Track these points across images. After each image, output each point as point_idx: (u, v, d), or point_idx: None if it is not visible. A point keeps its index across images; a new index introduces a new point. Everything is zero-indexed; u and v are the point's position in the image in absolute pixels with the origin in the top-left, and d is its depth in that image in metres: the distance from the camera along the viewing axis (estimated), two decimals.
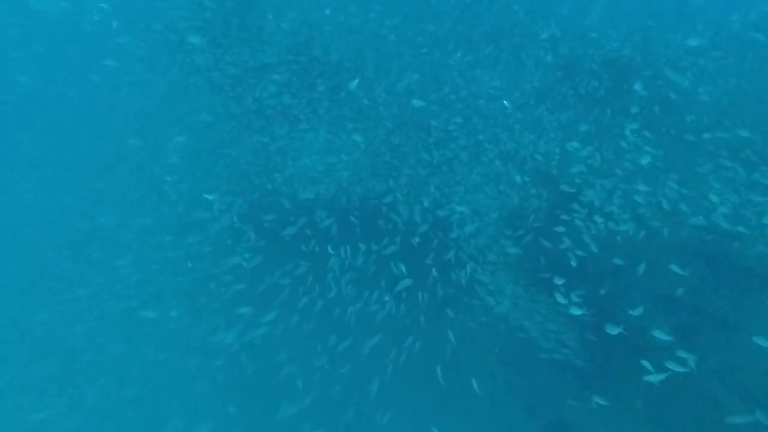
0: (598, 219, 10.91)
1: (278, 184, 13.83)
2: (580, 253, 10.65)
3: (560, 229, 10.68)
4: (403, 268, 10.36)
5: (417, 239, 12.33)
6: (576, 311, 9.03)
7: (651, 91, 14.46)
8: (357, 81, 10.06)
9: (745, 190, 10.96)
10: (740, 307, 9.87)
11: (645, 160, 10.12)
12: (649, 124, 13.29)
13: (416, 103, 10.19)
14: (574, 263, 9.91)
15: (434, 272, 12.01)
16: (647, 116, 13.54)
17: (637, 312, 9.67)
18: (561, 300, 9.98)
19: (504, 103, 11.90)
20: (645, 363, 7.88)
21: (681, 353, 8.19)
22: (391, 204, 13.22)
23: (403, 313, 12.38)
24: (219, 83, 14.77)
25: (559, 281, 9.77)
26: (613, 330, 9.31)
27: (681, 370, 8.22)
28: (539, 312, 10.33)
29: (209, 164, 14.82)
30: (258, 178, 14.10)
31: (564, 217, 11.40)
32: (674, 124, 13.26)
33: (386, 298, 11.87)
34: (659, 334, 9.81)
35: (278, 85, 13.93)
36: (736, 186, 11.07)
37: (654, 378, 8.72)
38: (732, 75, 14.53)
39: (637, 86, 11.16)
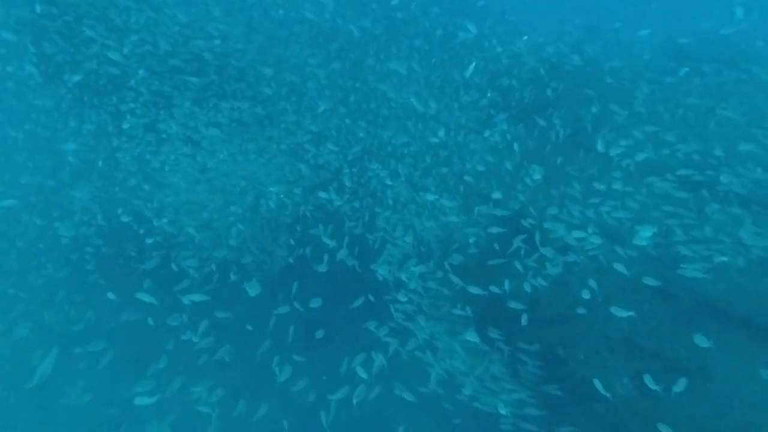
0: (546, 253, 10.05)
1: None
2: (527, 291, 9.72)
3: (496, 263, 9.81)
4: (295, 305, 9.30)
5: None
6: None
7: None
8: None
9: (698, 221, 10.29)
10: (702, 351, 8.92)
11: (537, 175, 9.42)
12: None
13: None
14: (517, 306, 8.95)
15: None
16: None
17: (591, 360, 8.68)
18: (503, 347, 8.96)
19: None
20: None
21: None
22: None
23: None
24: None
25: (494, 333, 8.79)
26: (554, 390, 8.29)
27: None
28: (476, 365, 9.24)
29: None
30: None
31: (503, 250, 10.57)
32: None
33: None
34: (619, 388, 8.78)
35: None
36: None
37: None
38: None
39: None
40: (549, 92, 12.72)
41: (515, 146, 10.76)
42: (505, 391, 9.19)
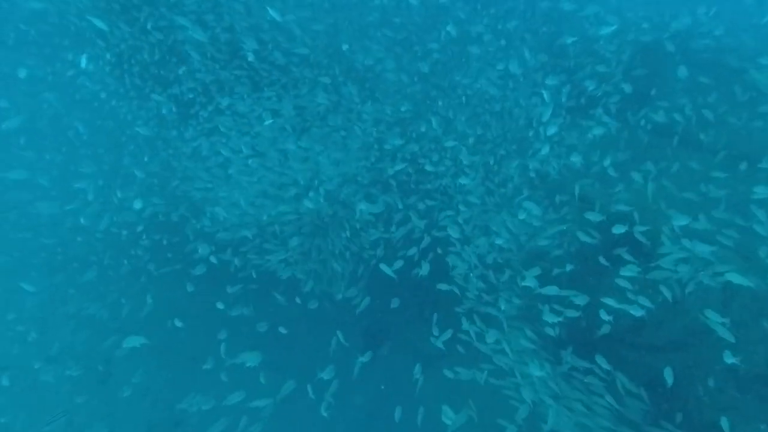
0: (653, 265, 8.43)
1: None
2: (636, 314, 8.13)
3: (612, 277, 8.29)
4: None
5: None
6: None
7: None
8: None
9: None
10: None
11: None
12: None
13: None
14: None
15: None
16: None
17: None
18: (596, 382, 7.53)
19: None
20: None
21: None
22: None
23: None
24: None
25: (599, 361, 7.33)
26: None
27: None
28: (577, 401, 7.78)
29: None
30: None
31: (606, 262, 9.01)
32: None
33: None
34: None
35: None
36: None
37: None
38: None
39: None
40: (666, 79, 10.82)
41: (622, 140, 9.08)
42: (604, 429, 7.74)
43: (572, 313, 8.16)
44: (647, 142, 10.27)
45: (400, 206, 10.15)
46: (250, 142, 11.80)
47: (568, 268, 9.05)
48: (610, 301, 7.86)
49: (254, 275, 11.58)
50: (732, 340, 6.53)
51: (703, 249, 7.64)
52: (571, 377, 8.21)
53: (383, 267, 8.19)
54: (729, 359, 6.57)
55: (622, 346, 8.57)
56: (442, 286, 8.33)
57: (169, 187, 13.54)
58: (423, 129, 12.09)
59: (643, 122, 10.46)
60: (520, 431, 7.99)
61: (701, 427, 7.63)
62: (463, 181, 9.86)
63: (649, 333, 8.37)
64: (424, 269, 8.27)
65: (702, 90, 11.21)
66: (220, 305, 8.58)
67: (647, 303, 7.89)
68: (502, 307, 8.88)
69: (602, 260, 8.33)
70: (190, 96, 12.66)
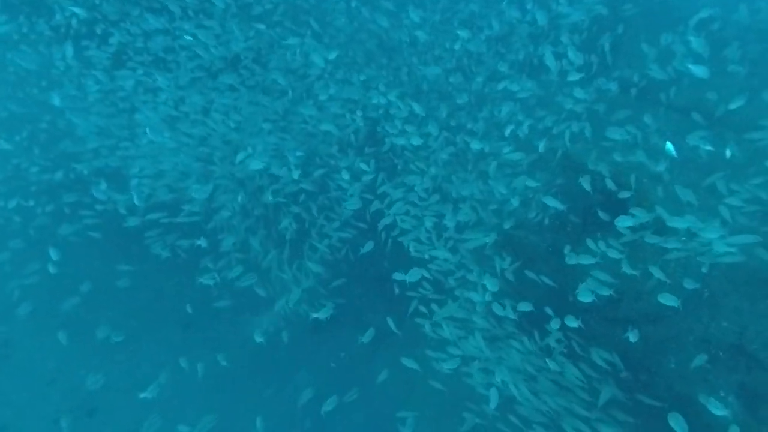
0: (620, 241, 7.84)
1: None
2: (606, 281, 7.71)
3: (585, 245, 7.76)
4: None
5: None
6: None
7: None
8: None
9: None
10: None
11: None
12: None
13: None
14: (590, 299, 7.08)
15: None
16: None
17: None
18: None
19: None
20: None
21: None
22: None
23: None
24: None
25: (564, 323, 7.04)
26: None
27: None
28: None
29: None
30: None
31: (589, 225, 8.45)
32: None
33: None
34: (715, 408, 7.22)
35: None
36: None
37: None
38: None
39: None
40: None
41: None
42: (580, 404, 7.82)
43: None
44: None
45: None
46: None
47: (546, 239, 8.44)
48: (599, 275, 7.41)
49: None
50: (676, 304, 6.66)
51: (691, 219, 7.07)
52: (547, 355, 8.07)
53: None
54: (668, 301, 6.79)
55: (598, 320, 8.37)
56: (398, 276, 7.72)
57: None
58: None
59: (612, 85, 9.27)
60: (488, 422, 8.01)
61: (673, 398, 7.79)
62: (415, 141, 8.66)
63: (627, 306, 8.13)
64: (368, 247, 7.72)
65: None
66: None
67: (630, 270, 7.51)
68: (486, 287, 8.38)
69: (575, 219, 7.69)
70: None
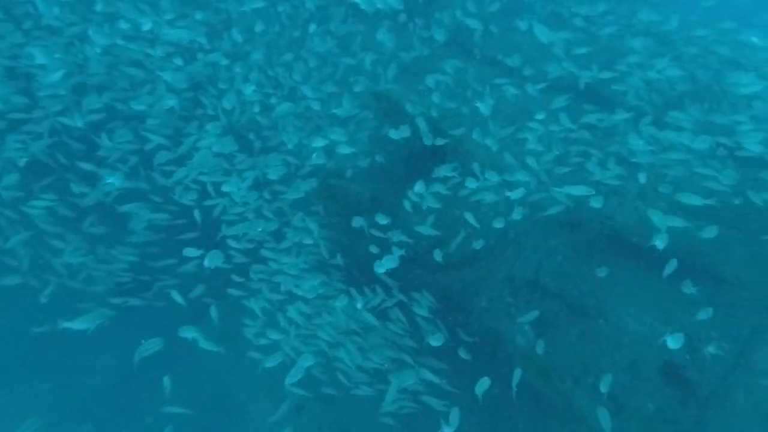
0: (440, 189, 7.78)
1: None
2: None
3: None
4: None
5: None
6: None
7: None
8: None
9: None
10: (598, 288, 8.37)
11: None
12: None
13: None
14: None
15: None
16: None
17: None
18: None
19: None
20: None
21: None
22: None
23: None
24: None
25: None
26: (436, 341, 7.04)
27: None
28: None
29: None
30: None
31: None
32: None
33: None
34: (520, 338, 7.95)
35: None
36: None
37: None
38: None
39: None
40: None
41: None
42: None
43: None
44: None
45: None
46: None
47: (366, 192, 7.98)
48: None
49: None
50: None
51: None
52: (370, 310, 7.83)
53: None
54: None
55: (419, 268, 8.41)
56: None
57: None
58: None
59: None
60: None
61: (483, 333, 8.35)
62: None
63: (445, 252, 8.28)
64: None
65: None
66: None
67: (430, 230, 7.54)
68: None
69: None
70: None
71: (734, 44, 10.37)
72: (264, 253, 7.46)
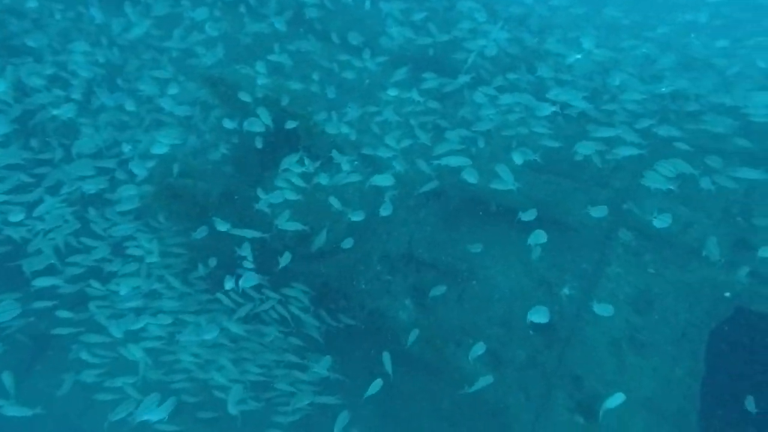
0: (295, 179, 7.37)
1: None
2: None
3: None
4: None
5: None
6: None
7: None
8: None
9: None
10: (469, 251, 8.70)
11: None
12: None
13: None
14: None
15: None
16: None
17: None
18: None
19: None
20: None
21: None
22: None
23: None
24: None
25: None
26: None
27: None
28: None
29: None
30: None
31: None
32: None
33: None
34: (401, 313, 7.97)
35: None
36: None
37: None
38: None
39: None
40: None
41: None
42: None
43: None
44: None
45: None
46: None
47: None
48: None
49: None
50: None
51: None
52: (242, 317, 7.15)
53: None
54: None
55: (294, 260, 7.89)
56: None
57: None
58: None
59: None
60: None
61: (365, 315, 8.19)
62: None
63: (318, 240, 7.88)
64: None
65: None
66: None
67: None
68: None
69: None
70: None
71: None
72: (92, 290, 6.21)
